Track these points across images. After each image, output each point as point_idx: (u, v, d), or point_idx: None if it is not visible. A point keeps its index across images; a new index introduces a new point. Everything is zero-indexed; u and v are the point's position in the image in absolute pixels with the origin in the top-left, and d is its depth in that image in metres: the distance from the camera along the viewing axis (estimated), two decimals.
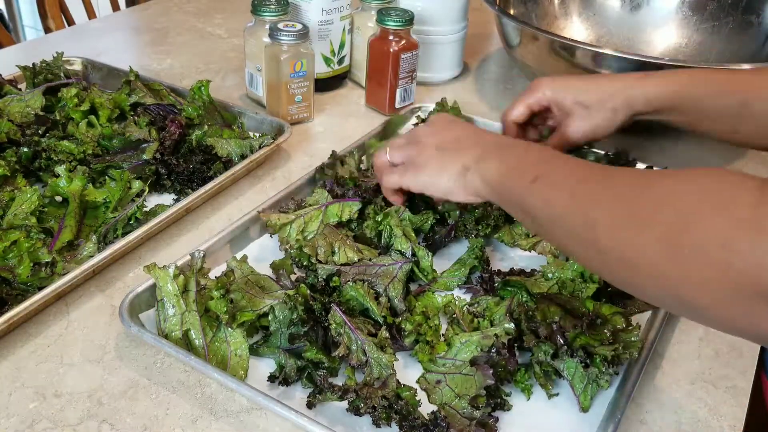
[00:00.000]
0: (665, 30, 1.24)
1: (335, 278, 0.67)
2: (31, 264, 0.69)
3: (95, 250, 0.73)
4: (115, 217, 0.77)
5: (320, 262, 0.69)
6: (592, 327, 0.61)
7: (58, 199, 0.79)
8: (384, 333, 0.62)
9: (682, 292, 0.45)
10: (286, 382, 0.60)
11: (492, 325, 0.65)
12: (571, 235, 0.54)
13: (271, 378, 0.60)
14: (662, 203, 0.47)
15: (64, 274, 0.68)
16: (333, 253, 0.70)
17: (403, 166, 0.71)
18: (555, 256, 0.73)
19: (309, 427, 0.55)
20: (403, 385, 0.60)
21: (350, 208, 0.76)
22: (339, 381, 0.60)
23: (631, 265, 0.48)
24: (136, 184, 0.81)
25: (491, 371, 0.59)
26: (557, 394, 0.62)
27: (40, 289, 0.65)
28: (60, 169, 0.78)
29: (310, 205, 0.77)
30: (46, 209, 0.77)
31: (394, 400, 0.57)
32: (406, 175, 0.70)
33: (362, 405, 0.56)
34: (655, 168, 0.87)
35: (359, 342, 0.61)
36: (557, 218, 0.55)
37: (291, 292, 0.64)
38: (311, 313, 0.63)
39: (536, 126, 0.86)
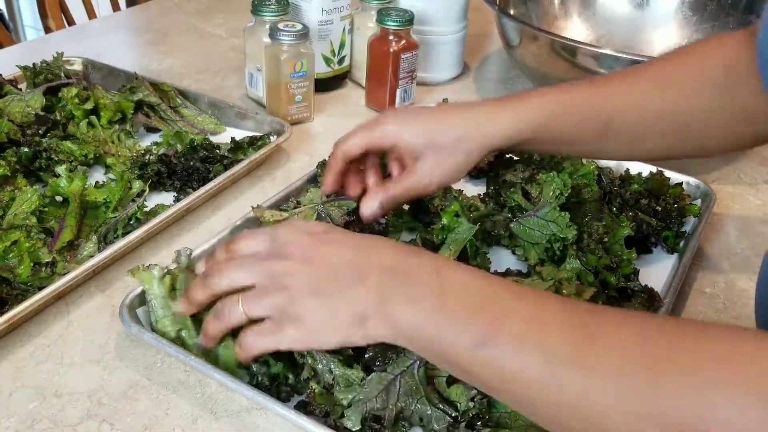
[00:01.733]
0: (665, 30, 1.24)
1: None
2: (32, 264, 0.69)
3: (95, 250, 0.73)
4: (115, 217, 0.77)
5: None
6: None
7: (59, 199, 0.79)
8: (348, 350, 0.57)
9: None
10: (259, 387, 0.59)
11: None
12: (559, 425, 0.44)
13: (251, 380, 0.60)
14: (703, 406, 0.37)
15: (64, 274, 0.68)
16: None
17: (271, 322, 0.54)
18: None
19: (309, 427, 0.55)
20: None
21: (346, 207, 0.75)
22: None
23: None
24: (137, 184, 0.81)
25: (474, 388, 0.57)
26: None
27: (41, 289, 0.65)
28: (60, 169, 0.78)
29: (305, 205, 0.77)
30: (46, 209, 0.77)
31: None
32: (280, 334, 0.53)
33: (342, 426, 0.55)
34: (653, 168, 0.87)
35: (324, 361, 0.57)
36: (527, 400, 0.44)
37: None
38: None
39: (363, 169, 0.74)
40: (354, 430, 0.55)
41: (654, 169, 0.86)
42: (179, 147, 0.89)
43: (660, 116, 0.68)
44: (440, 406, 0.56)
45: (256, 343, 0.55)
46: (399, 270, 0.51)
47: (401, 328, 0.49)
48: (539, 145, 0.70)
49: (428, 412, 0.56)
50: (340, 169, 0.72)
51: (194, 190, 0.83)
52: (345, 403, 0.56)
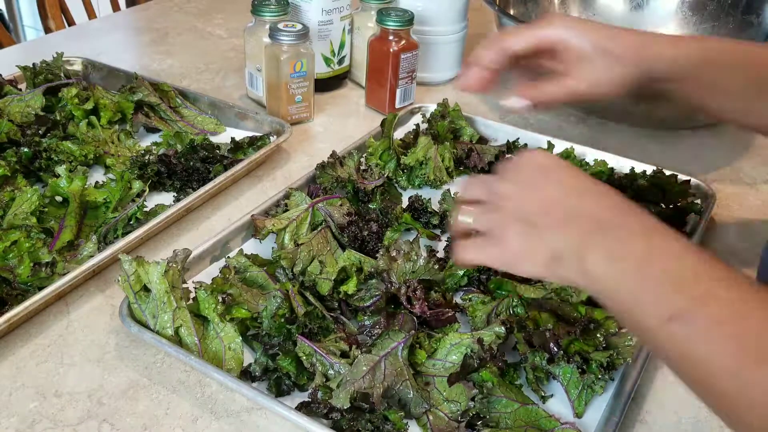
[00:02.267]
0: (665, 30, 1.24)
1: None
2: (32, 264, 0.69)
3: (95, 250, 0.73)
4: (115, 217, 0.77)
5: (301, 274, 0.68)
6: (585, 332, 0.61)
7: (59, 199, 0.79)
8: (355, 352, 0.60)
9: None
10: (252, 377, 0.61)
11: (475, 325, 0.65)
12: (736, 419, 0.43)
13: (245, 372, 0.61)
14: None
15: (64, 274, 0.68)
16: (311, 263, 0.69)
17: (482, 237, 0.56)
18: None
19: (309, 427, 0.55)
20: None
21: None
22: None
23: None
24: (137, 184, 0.81)
25: (474, 388, 0.58)
26: (552, 396, 0.62)
27: (41, 289, 0.66)
28: (60, 169, 0.78)
29: (291, 209, 0.77)
30: (46, 209, 0.77)
31: (381, 423, 0.56)
32: (486, 249, 0.55)
33: (346, 426, 0.56)
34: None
35: (335, 367, 0.59)
36: (707, 386, 0.44)
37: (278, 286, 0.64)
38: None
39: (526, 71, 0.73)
40: (344, 408, 0.56)
41: (655, 168, 0.86)
42: (179, 147, 0.89)
43: None
44: (420, 392, 0.58)
45: (465, 254, 0.56)
46: (609, 223, 0.50)
47: (594, 279, 0.49)
48: (696, 85, 0.67)
49: (409, 396, 0.58)
50: (497, 65, 0.69)
51: (194, 190, 0.83)
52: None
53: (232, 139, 0.92)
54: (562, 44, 0.67)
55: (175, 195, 0.85)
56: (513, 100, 0.70)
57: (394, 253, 0.68)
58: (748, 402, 0.42)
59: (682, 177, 0.86)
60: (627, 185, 0.82)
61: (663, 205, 0.80)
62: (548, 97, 0.69)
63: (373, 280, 0.66)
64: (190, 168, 0.86)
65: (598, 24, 0.68)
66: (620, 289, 0.47)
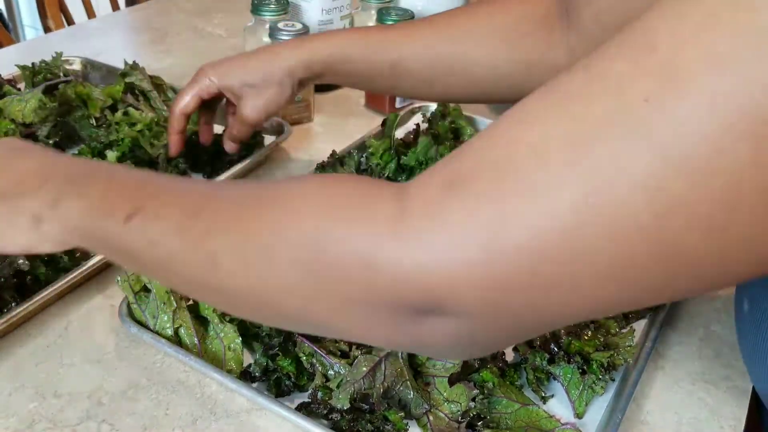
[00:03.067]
0: None
1: None
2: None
3: None
4: None
5: None
6: (585, 332, 0.61)
7: None
8: (356, 352, 0.60)
9: (317, 317, 0.41)
10: (252, 378, 0.60)
11: None
12: (190, 280, 0.46)
13: (244, 372, 0.61)
14: (286, 222, 0.40)
15: (68, 270, 0.68)
16: None
17: None
18: None
19: (309, 428, 0.55)
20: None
21: None
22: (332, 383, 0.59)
23: (261, 301, 0.42)
24: None
25: (475, 388, 0.58)
26: (552, 396, 0.62)
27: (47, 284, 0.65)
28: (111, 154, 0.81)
29: None
30: None
31: (381, 424, 0.56)
32: None
33: (346, 427, 0.56)
34: None
35: (335, 367, 0.59)
36: (167, 261, 0.46)
37: None
38: None
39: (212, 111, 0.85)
40: (344, 408, 0.56)
41: None
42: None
43: (446, 60, 0.74)
44: (420, 392, 0.58)
45: None
46: (77, 174, 0.52)
47: (71, 224, 0.50)
48: (337, 77, 0.78)
49: (410, 396, 0.58)
50: (182, 128, 0.82)
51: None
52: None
53: (224, 130, 0.92)
54: (219, 89, 0.79)
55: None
56: (226, 146, 0.86)
57: None
58: (190, 254, 0.44)
59: None
60: None
61: None
62: (236, 132, 0.82)
63: None
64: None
65: (236, 59, 0.80)
66: (89, 218, 0.49)
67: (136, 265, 0.51)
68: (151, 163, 0.86)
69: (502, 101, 0.77)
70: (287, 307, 0.41)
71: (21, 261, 0.66)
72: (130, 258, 0.49)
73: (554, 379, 0.61)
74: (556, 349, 0.60)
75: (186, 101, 0.79)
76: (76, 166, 0.54)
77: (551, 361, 0.60)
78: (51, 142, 0.87)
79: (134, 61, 1.01)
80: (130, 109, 0.92)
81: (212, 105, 0.84)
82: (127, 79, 0.97)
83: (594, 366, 0.59)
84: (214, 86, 0.79)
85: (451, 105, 0.98)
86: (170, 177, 0.53)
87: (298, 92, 0.79)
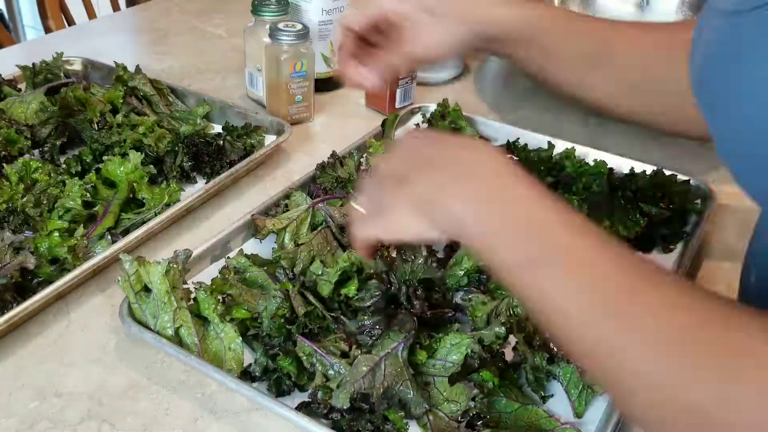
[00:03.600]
0: None
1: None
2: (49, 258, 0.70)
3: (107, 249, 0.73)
4: (132, 218, 0.78)
5: (302, 274, 0.68)
6: None
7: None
8: (355, 352, 0.60)
9: None
10: (252, 378, 0.61)
11: (475, 325, 0.65)
12: (590, 358, 0.44)
13: (245, 372, 0.61)
14: None
15: (67, 270, 0.68)
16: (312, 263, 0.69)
17: (372, 213, 0.56)
18: None
19: (309, 427, 0.55)
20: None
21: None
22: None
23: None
24: (177, 195, 0.82)
25: (475, 388, 0.58)
26: (552, 396, 0.62)
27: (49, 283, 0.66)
28: (116, 159, 0.81)
29: (292, 209, 0.77)
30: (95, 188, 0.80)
31: (381, 424, 0.56)
32: (372, 225, 0.55)
33: (346, 426, 0.56)
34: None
35: (335, 367, 0.60)
36: (565, 327, 0.44)
37: (279, 286, 0.64)
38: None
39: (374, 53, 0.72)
40: (344, 408, 0.56)
41: (655, 167, 0.86)
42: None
43: (658, 77, 0.68)
44: (420, 392, 0.58)
45: (352, 233, 0.56)
46: (479, 169, 0.50)
47: (460, 221, 0.49)
48: (531, 50, 0.69)
49: (409, 396, 0.58)
50: (348, 47, 0.70)
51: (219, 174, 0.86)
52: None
53: (226, 122, 0.93)
54: (395, 13, 0.69)
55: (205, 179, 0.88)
56: (365, 81, 0.71)
57: (394, 254, 0.68)
58: (600, 353, 0.43)
59: (681, 177, 0.86)
60: (627, 185, 0.82)
61: (663, 205, 0.80)
62: (386, 64, 0.70)
63: (373, 281, 0.66)
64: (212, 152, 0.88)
65: None
66: (485, 231, 0.48)
67: (526, 301, 0.47)
68: (156, 161, 0.86)
69: (684, 133, 0.72)
70: None
71: (28, 259, 0.66)
72: (519, 293, 0.47)
73: (554, 378, 0.62)
74: (555, 348, 0.60)
75: (352, 17, 0.69)
76: (477, 158, 0.50)
77: (551, 361, 0.61)
78: (57, 143, 0.88)
79: (137, 66, 1.01)
80: (131, 113, 0.93)
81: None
82: (130, 83, 0.97)
83: None
84: (392, 5, 0.68)
85: (451, 105, 0.98)
86: (585, 228, 0.46)
87: (478, 56, 0.68)
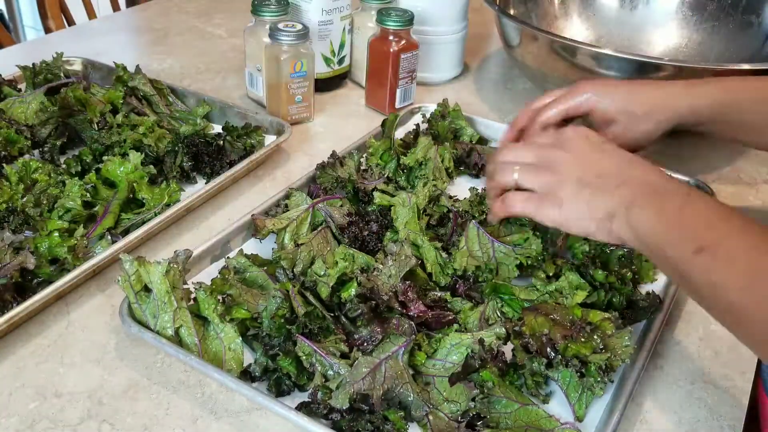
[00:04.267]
0: (665, 30, 1.24)
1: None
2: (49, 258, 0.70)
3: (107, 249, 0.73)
4: (132, 218, 0.78)
5: (302, 274, 0.68)
6: (581, 335, 0.61)
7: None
8: (356, 354, 0.60)
9: None
10: (252, 378, 0.61)
11: (466, 330, 0.65)
12: (749, 331, 0.51)
13: (244, 372, 0.61)
14: None
15: (67, 271, 0.68)
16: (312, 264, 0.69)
17: (536, 195, 0.62)
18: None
19: (309, 427, 0.55)
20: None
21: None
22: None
23: None
24: (177, 195, 0.82)
25: (475, 388, 0.58)
26: (552, 395, 0.62)
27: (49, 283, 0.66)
28: (116, 159, 0.81)
29: (292, 209, 0.77)
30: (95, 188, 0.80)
31: (381, 424, 0.56)
32: (542, 206, 0.61)
33: (346, 426, 0.56)
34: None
35: (334, 367, 0.59)
36: (728, 306, 0.51)
37: (279, 286, 0.64)
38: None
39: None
40: (343, 409, 0.56)
41: None
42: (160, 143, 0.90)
43: None
44: (420, 394, 0.58)
45: (518, 204, 0.63)
46: (653, 185, 0.58)
47: (639, 231, 0.56)
48: (723, 125, 0.74)
49: (410, 398, 0.58)
50: (518, 133, 0.76)
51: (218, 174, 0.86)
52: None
53: (226, 123, 0.93)
54: (592, 109, 0.74)
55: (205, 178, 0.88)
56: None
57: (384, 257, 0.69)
58: (754, 313, 0.49)
59: (681, 177, 0.86)
60: None
61: None
62: None
63: (355, 298, 0.64)
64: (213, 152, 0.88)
65: (621, 84, 0.76)
66: (658, 235, 0.55)
67: (695, 296, 0.55)
68: (155, 162, 0.86)
69: None
70: None
71: (28, 259, 0.66)
72: (689, 287, 0.54)
73: (553, 382, 0.61)
74: (553, 353, 0.60)
75: (555, 113, 0.74)
76: (653, 174, 0.59)
77: (549, 366, 0.60)
78: (57, 143, 0.88)
79: (137, 66, 1.01)
80: (131, 113, 0.93)
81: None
82: (130, 83, 0.97)
83: (592, 368, 0.59)
84: (587, 104, 0.73)
85: (451, 105, 0.98)
86: (745, 218, 0.53)
87: (662, 139, 0.74)
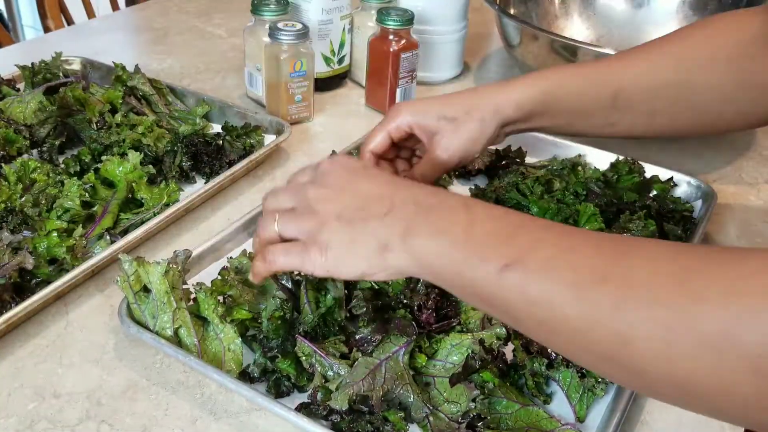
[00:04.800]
0: (666, 29, 1.22)
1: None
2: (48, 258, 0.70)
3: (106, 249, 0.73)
4: (131, 218, 0.77)
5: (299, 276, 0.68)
6: None
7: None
8: (356, 354, 0.60)
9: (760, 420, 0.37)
10: (251, 378, 0.60)
11: (467, 330, 0.65)
12: (582, 349, 0.43)
13: (244, 373, 0.61)
14: (748, 310, 0.36)
15: (66, 271, 0.68)
16: None
17: (299, 243, 0.54)
18: None
19: (309, 428, 0.54)
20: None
21: None
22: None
23: (696, 393, 0.38)
24: (176, 195, 0.81)
25: (476, 389, 0.58)
26: (552, 395, 0.61)
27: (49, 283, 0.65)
28: (115, 159, 0.81)
29: None
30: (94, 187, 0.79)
31: (381, 425, 0.56)
32: (307, 256, 0.53)
33: (346, 427, 0.56)
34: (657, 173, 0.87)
35: (334, 368, 0.59)
36: (555, 324, 0.43)
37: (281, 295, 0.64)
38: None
39: (404, 158, 0.76)
40: (342, 410, 0.55)
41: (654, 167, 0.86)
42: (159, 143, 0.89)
43: (671, 88, 0.70)
44: (420, 395, 0.58)
45: (280, 258, 0.55)
46: (427, 205, 0.51)
47: (424, 259, 0.49)
48: (551, 117, 0.71)
49: (410, 400, 0.57)
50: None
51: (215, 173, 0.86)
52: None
53: (226, 122, 0.93)
54: (413, 128, 0.70)
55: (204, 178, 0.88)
56: None
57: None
58: (593, 323, 0.42)
59: (682, 177, 0.86)
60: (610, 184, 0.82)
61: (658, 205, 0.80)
62: (423, 174, 0.71)
63: (360, 295, 0.64)
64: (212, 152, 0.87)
65: (436, 97, 0.72)
66: (451, 258, 0.48)
67: (507, 317, 0.48)
68: (155, 161, 0.86)
69: (728, 130, 0.74)
70: (723, 405, 0.38)
71: (26, 259, 0.66)
72: (499, 310, 0.47)
73: (554, 382, 0.61)
74: (554, 354, 0.60)
75: (378, 140, 0.71)
76: (423, 193, 0.52)
77: (550, 366, 0.60)
78: (56, 143, 0.88)
79: (137, 66, 1.01)
80: (130, 113, 0.93)
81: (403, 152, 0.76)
82: (129, 83, 0.97)
83: None
84: (406, 123, 0.70)
85: None
86: (546, 223, 0.49)
87: (501, 140, 0.72)
